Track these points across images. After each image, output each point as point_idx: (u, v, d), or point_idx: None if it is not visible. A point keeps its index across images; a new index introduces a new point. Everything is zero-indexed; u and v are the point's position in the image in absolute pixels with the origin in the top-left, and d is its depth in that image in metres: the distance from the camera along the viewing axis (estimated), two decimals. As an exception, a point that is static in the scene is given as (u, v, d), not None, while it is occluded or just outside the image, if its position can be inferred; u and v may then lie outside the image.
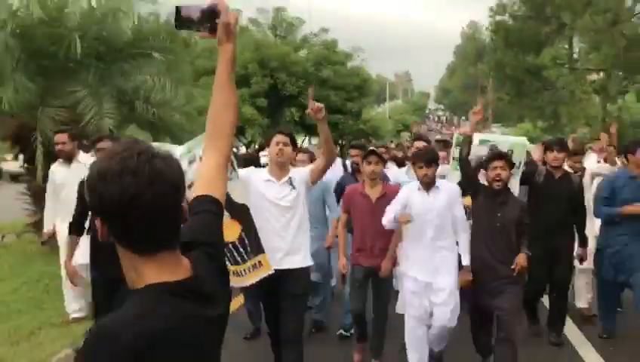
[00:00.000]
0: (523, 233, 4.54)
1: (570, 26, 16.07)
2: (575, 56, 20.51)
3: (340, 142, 17.39)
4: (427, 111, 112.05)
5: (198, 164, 4.02)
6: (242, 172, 4.35)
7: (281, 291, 4.13)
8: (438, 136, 53.88)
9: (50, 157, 6.10)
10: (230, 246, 4.13)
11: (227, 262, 3.57)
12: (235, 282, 4.06)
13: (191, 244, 1.38)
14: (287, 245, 4.16)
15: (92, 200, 1.23)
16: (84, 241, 4.34)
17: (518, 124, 40.40)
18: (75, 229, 4.31)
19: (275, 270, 4.08)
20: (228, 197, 3.76)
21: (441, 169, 5.05)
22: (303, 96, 12.80)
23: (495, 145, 5.49)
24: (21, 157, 8.37)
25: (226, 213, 3.63)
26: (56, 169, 5.51)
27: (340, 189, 5.56)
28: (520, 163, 5.51)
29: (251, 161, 6.33)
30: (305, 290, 4.34)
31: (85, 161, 5.27)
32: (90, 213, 3.88)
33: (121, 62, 7.15)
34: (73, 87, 6.72)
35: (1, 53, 6.30)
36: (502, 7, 25.89)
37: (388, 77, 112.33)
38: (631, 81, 17.25)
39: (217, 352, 1.42)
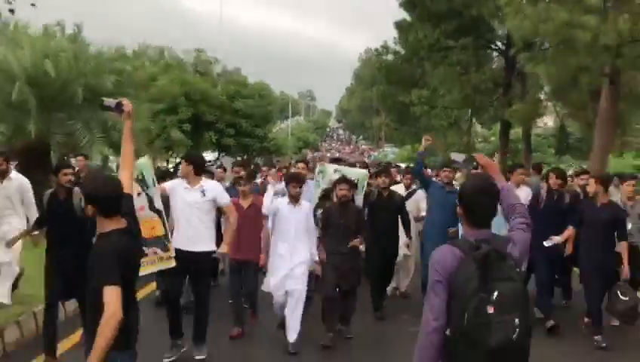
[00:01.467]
0: (362, 228, 6.30)
1: (431, 74, 20.45)
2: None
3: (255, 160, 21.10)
4: (328, 130, 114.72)
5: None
6: (168, 183, 5.78)
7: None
8: (337, 155, 57.28)
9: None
10: (159, 237, 5.40)
11: (159, 249, 5.30)
12: (149, 269, 5.33)
13: (125, 213, 2.98)
14: (194, 233, 5.50)
15: (89, 194, 2.81)
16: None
17: (403, 146, 45.41)
18: (37, 226, 5.53)
19: (188, 251, 5.45)
20: (151, 203, 5.39)
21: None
22: (219, 123, 15.95)
23: (345, 173, 7.09)
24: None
25: (153, 214, 5.33)
26: None
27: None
28: (363, 187, 7.22)
29: (166, 174, 8.19)
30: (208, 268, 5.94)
31: (15, 177, 6.30)
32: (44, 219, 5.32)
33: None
34: (72, 120, 9.59)
35: (21, 96, 8.98)
36: (386, 48, 30.39)
37: (292, 94, 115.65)
38: (478, 118, 21.97)
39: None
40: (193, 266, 5.56)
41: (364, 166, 13.48)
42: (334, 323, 6.22)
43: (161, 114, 13.84)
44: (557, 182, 6.88)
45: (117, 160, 11.51)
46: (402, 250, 7.51)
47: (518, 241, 2.67)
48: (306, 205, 6.23)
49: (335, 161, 36.19)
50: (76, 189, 5.04)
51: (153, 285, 7.33)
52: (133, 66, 11.81)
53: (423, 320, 2.53)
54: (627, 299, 6.31)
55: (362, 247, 6.31)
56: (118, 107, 3.45)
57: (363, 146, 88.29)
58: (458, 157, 7.52)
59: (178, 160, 16.82)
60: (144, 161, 5.54)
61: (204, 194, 5.59)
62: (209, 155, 19.57)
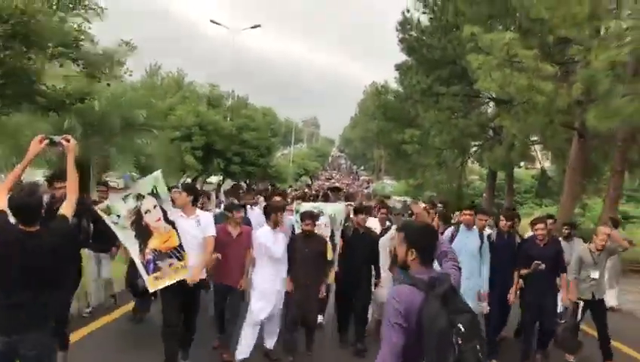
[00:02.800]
0: (326, 261, 6.82)
1: (423, 116, 22.38)
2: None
3: (253, 186, 23.00)
4: (330, 159, 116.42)
5: (142, 201, 5.56)
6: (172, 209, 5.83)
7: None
8: (336, 184, 58.93)
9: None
10: (175, 249, 5.57)
11: (175, 259, 5.48)
12: (169, 280, 5.56)
13: (59, 234, 3.72)
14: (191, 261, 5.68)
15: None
16: None
17: (399, 179, 47.13)
18: None
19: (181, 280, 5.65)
20: (165, 215, 5.54)
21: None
22: (228, 152, 17.85)
23: (321, 209, 7.49)
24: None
25: (168, 226, 5.53)
26: None
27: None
28: (340, 221, 7.54)
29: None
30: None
31: None
32: None
33: (135, 133, 11.95)
34: (108, 145, 11.54)
35: (69, 125, 10.91)
36: (386, 87, 32.40)
37: (297, 121, 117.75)
38: (463, 159, 23.95)
39: None
40: (186, 295, 5.82)
41: (349, 196, 14.89)
42: (293, 349, 6.68)
43: (177, 140, 15.69)
44: (506, 224, 7.56)
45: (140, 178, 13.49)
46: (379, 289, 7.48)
47: (453, 278, 2.91)
48: (284, 234, 6.69)
49: (333, 190, 38.26)
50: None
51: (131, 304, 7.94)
52: (156, 96, 13.62)
53: (380, 359, 2.71)
54: (564, 321, 7.41)
55: (329, 280, 6.93)
56: (60, 144, 4.02)
57: (363, 177, 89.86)
58: (397, 204, 8.44)
59: (189, 180, 18.77)
60: (157, 176, 5.73)
61: (199, 224, 5.89)
62: (213, 179, 21.49)
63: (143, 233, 5.53)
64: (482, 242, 7.16)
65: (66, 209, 3.87)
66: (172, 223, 5.58)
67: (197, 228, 5.86)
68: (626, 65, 10.22)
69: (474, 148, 24.36)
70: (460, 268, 3.11)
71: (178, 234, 5.58)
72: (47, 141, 3.94)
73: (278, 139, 30.98)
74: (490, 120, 18.90)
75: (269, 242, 6.48)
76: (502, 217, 7.78)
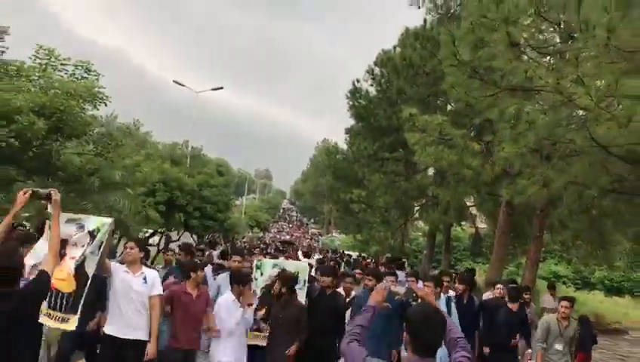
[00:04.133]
0: (302, 326, 6.44)
1: (369, 178, 24.40)
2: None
3: (208, 238, 24.35)
4: (281, 211, 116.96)
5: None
6: (111, 263, 5.64)
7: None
8: (287, 237, 59.86)
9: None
10: (62, 294, 4.94)
11: (47, 304, 4.76)
12: (44, 321, 4.85)
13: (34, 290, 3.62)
14: (130, 320, 5.50)
15: None
16: None
17: (350, 233, 48.88)
18: None
19: (123, 339, 5.47)
20: (82, 263, 5.02)
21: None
22: (188, 206, 19.12)
23: (283, 267, 7.30)
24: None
25: (72, 268, 4.97)
26: None
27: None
28: (304, 281, 7.09)
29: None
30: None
31: None
32: None
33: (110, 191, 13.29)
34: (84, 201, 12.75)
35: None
36: (336, 148, 34.52)
37: (249, 171, 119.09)
38: (406, 218, 26.00)
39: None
40: (128, 354, 5.53)
41: (308, 253, 15.92)
42: None
43: (142, 196, 16.88)
44: (459, 287, 7.77)
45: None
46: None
47: None
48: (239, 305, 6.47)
49: (285, 243, 40.08)
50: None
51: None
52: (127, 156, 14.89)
53: None
54: None
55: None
56: (48, 197, 4.12)
57: (312, 230, 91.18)
58: (399, 289, 7.24)
59: (148, 233, 19.82)
60: (106, 222, 5.34)
61: (146, 282, 5.64)
62: (174, 235, 22.64)
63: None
64: (449, 309, 6.99)
65: (48, 264, 3.73)
66: (84, 275, 5.05)
67: (143, 286, 5.63)
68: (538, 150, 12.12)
69: (416, 209, 26.40)
70: (471, 360, 2.89)
71: (79, 287, 5.01)
72: (29, 192, 4.06)
73: (230, 190, 32.48)
74: (430, 184, 20.95)
75: (228, 314, 6.35)
76: (458, 280, 7.82)
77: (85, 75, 8.93)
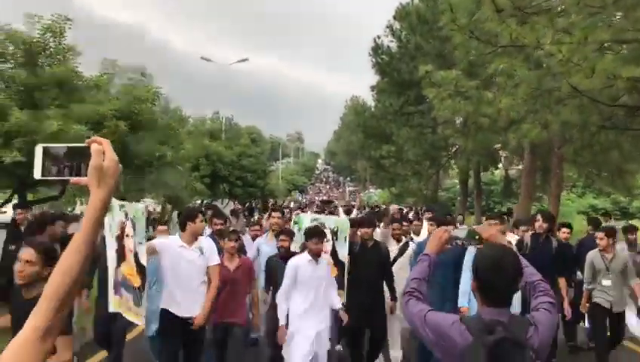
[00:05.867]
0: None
1: (397, 133, 25.60)
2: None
3: (253, 203, 26.28)
4: (317, 172, 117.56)
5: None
6: (157, 242, 5.30)
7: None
8: (324, 198, 60.85)
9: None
10: (135, 288, 4.92)
11: (134, 300, 4.82)
12: (132, 318, 4.98)
13: None
14: (192, 297, 5.20)
15: None
16: None
17: (385, 188, 50.26)
18: None
19: (186, 318, 5.19)
20: (137, 258, 4.85)
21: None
22: (230, 177, 20.86)
23: (323, 222, 6.63)
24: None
25: (133, 261, 4.86)
26: None
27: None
28: (345, 236, 6.43)
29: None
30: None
31: None
32: None
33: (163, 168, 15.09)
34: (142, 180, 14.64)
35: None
36: (364, 107, 35.61)
37: (281, 136, 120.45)
38: (436, 168, 27.23)
39: None
40: (191, 335, 5.27)
41: (349, 210, 16.95)
42: None
43: (188, 170, 18.65)
44: (543, 225, 6.78)
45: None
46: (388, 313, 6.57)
47: (541, 324, 2.27)
48: (325, 261, 5.77)
49: (325, 203, 41.76)
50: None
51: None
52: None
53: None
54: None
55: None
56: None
57: (350, 188, 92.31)
58: (459, 232, 6.04)
59: (198, 202, 21.70)
60: (139, 209, 5.22)
61: (202, 253, 5.29)
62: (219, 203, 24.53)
63: (120, 253, 5.04)
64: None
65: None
66: (142, 266, 4.93)
67: (200, 258, 5.31)
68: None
69: (444, 159, 27.56)
70: (554, 306, 2.46)
71: (143, 278, 4.94)
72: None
73: (265, 155, 34.29)
74: (452, 134, 22.08)
75: (305, 276, 5.55)
76: (538, 217, 7.01)
77: (142, 77, 10.66)
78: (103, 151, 1.41)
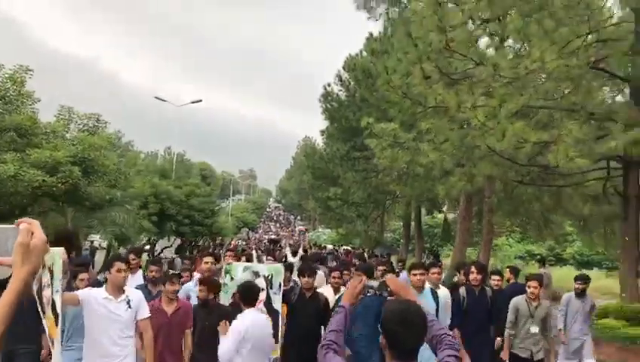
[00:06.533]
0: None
1: (342, 177, 26.63)
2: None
3: (199, 243, 26.57)
4: (268, 210, 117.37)
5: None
6: (81, 292, 4.81)
7: None
8: (273, 236, 60.59)
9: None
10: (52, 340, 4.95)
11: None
12: None
13: None
14: (116, 352, 4.73)
15: None
16: None
17: (333, 228, 51.24)
18: None
19: None
20: (54, 305, 4.19)
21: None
22: (178, 215, 21.19)
23: (256, 270, 6.38)
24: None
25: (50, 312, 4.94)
26: None
27: None
28: (280, 284, 6.23)
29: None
30: None
31: None
32: None
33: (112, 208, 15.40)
34: (90, 219, 14.91)
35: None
36: (314, 150, 36.69)
37: (233, 172, 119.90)
38: (380, 211, 28.28)
39: None
40: None
41: (295, 251, 17.31)
42: None
43: (136, 208, 18.93)
44: (477, 277, 6.86)
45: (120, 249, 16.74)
46: None
47: None
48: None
49: (272, 242, 42.49)
50: None
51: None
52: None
53: None
54: None
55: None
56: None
57: (300, 227, 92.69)
58: (373, 283, 5.73)
59: (143, 241, 21.88)
60: (57, 251, 5.15)
61: (130, 306, 4.88)
62: (166, 242, 24.74)
63: (41, 305, 4.80)
64: (437, 304, 6.00)
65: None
66: (56, 316, 4.72)
67: (127, 311, 4.87)
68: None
69: (387, 203, 28.68)
70: (458, 359, 2.53)
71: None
72: None
73: (216, 192, 34.60)
74: (391, 182, 23.14)
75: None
76: (472, 269, 7.04)
77: (97, 123, 11.27)
78: (31, 231, 1.44)
